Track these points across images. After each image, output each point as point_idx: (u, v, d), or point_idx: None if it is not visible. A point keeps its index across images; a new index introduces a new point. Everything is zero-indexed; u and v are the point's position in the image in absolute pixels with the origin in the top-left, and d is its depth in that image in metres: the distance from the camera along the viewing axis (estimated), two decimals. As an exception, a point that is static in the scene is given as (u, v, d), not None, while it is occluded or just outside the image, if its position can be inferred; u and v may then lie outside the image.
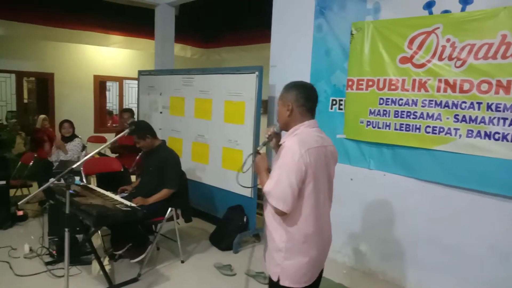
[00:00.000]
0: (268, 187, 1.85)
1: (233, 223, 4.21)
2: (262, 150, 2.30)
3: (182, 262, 3.79)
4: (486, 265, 2.94)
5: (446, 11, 3.02)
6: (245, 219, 4.23)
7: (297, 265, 1.90)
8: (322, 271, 2.10)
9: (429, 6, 3.11)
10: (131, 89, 9.13)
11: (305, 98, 1.95)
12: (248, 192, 4.22)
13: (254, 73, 4.15)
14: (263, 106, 4.26)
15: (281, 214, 1.83)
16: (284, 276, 1.91)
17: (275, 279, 1.94)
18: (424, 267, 3.29)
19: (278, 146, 2.18)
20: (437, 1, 3.06)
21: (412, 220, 3.34)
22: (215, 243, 4.22)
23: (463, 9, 2.93)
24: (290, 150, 1.82)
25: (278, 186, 1.80)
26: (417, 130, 3.22)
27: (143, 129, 3.68)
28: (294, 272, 1.90)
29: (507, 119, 2.73)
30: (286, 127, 2.00)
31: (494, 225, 2.90)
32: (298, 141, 1.84)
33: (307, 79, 3.95)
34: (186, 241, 4.25)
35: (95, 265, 3.33)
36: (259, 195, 4.44)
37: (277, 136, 2.12)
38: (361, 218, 3.71)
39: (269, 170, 1.99)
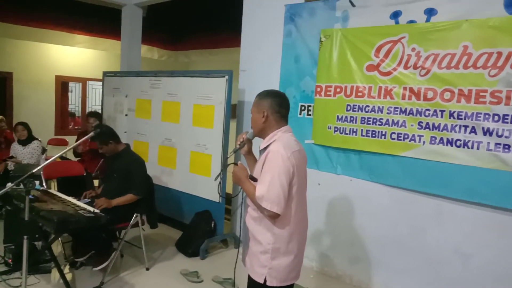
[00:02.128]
0: (260, 192, 1.89)
1: (200, 228, 4.15)
2: (231, 157, 2.30)
3: (147, 269, 3.69)
4: (449, 267, 3.04)
5: (411, 21, 3.11)
6: (212, 225, 4.18)
7: (284, 264, 1.99)
8: None
9: (395, 15, 3.20)
10: (95, 91, 8.87)
11: (279, 105, 2.04)
12: (216, 197, 4.17)
13: (224, 77, 4.13)
14: (232, 111, 4.23)
15: (274, 216, 1.92)
16: (272, 276, 1.98)
17: (261, 280, 2.00)
18: (390, 270, 3.36)
19: (249, 153, 2.19)
20: (403, 11, 3.15)
21: (378, 224, 3.41)
22: (182, 249, 4.14)
23: (427, 20, 3.03)
24: (277, 153, 1.90)
25: (271, 189, 1.87)
26: (383, 137, 3.29)
27: (106, 134, 3.56)
28: (282, 271, 1.99)
29: (468, 126, 2.84)
30: (260, 133, 2.08)
31: (456, 229, 3.00)
32: (283, 145, 1.93)
33: (276, 84, 3.97)
34: (152, 247, 4.14)
35: (54, 273, 3.19)
36: (228, 200, 4.42)
37: (249, 142, 2.19)
38: (328, 222, 3.75)
39: (250, 178, 2.03)
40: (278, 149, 1.91)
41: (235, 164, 2.09)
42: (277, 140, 1.98)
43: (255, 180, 2.01)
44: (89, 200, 3.54)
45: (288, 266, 2.00)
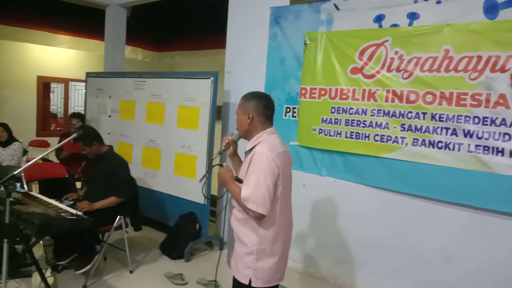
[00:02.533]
0: (246, 193, 1.90)
1: (185, 231, 4.13)
2: (216, 158, 2.29)
3: (131, 272, 3.65)
4: (432, 268, 3.09)
5: (394, 25, 3.16)
6: (197, 227, 4.16)
7: (270, 265, 2.00)
8: None
9: (379, 19, 3.24)
10: (77, 91, 8.73)
11: (264, 107, 2.06)
12: (201, 199, 4.16)
13: (210, 78, 4.12)
14: (218, 112, 4.22)
15: (260, 218, 1.92)
16: (257, 277, 1.99)
17: (246, 282, 2.01)
18: (374, 272, 3.39)
19: (235, 154, 2.20)
20: (386, 15, 3.20)
21: (362, 225, 3.45)
22: (166, 251, 4.11)
23: (410, 24, 3.09)
24: (263, 155, 1.91)
25: (257, 191, 1.87)
26: (367, 138, 3.33)
27: (89, 136, 3.52)
28: (267, 272, 2.00)
29: (449, 128, 2.90)
30: (246, 135, 2.09)
31: (439, 229, 3.05)
32: (269, 147, 1.95)
33: (262, 86, 3.99)
34: (136, 250, 4.10)
35: (36, 277, 3.13)
36: (213, 202, 4.40)
37: (234, 144, 2.20)
38: (313, 223, 3.77)
39: (236, 179, 2.04)
40: (263, 151, 1.92)
41: (221, 165, 2.09)
42: (262, 142, 1.99)
43: (240, 181, 2.01)
44: (72, 202, 3.48)
45: (273, 267, 2.01)
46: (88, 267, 3.32)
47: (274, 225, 1.99)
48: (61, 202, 3.33)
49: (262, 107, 2.04)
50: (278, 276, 2.07)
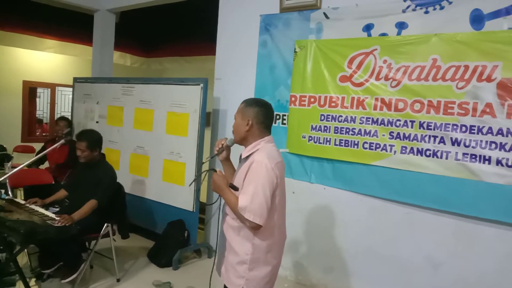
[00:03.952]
0: (243, 202, 1.86)
1: (173, 238, 4.08)
2: (207, 163, 2.28)
3: (118, 280, 3.59)
4: (420, 275, 3.11)
5: (383, 34, 3.20)
6: (186, 234, 4.12)
7: (262, 275, 1.99)
8: None
9: (368, 28, 3.28)
10: (64, 97, 8.63)
11: (265, 116, 2.03)
12: (189, 206, 4.13)
13: (199, 84, 4.11)
14: (207, 119, 4.21)
15: (256, 228, 1.89)
16: (249, 286, 1.98)
17: None
18: (364, 279, 3.40)
19: (227, 160, 2.18)
20: (375, 24, 3.24)
21: (351, 233, 3.45)
22: (154, 259, 4.06)
23: (398, 33, 3.13)
24: (262, 164, 1.88)
25: (255, 200, 1.85)
26: (355, 146, 3.35)
27: (97, 140, 3.50)
28: (259, 282, 2.01)
29: (437, 137, 2.94)
30: (242, 141, 2.05)
31: (427, 237, 3.08)
32: (268, 156, 1.92)
33: (251, 93, 3.99)
34: (123, 258, 4.04)
35: (20, 286, 3.05)
36: (201, 209, 4.37)
37: (227, 149, 2.17)
38: (302, 231, 3.77)
39: (231, 186, 2.01)
40: (262, 159, 1.90)
41: (214, 170, 2.06)
42: (261, 150, 1.96)
43: (235, 188, 1.98)
44: (58, 209, 3.42)
45: (265, 276, 2.01)
46: (74, 275, 3.25)
47: (270, 235, 1.98)
48: (47, 209, 3.27)
49: (263, 116, 2.02)
50: (269, 285, 2.06)
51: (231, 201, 1.94)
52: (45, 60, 8.02)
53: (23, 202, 3.30)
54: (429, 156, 2.98)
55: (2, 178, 2.34)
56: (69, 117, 5.60)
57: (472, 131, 2.79)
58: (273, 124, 3.79)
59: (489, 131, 2.73)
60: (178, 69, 8.48)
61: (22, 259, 3.61)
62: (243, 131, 2.02)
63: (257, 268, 1.98)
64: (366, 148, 3.29)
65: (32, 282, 3.19)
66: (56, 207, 3.48)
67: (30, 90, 8.07)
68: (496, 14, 2.74)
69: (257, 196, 1.85)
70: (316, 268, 3.69)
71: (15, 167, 3.34)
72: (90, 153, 3.44)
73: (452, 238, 2.96)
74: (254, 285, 1.99)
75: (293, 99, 3.71)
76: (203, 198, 4.40)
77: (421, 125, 3.00)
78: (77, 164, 3.71)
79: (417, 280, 3.12)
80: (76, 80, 5.65)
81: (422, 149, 3.01)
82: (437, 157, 2.94)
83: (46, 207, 3.35)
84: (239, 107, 2.08)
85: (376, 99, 3.22)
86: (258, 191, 1.85)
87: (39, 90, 8.38)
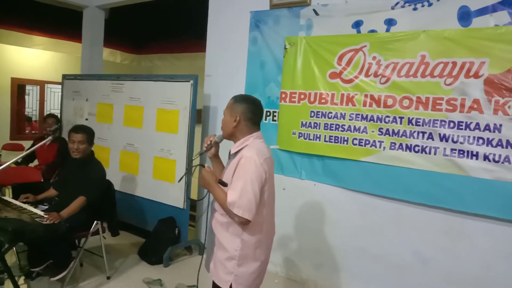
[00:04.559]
0: (232, 198, 1.87)
1: (164, 236, 4.07)
2: (196, 159, 2.27)
3: (108, 278, 3.58)
4: (409, 272, 3.14)
5: (372, 31, 3.22)
6: (176, 232, 4.11)
7: (250, 270, 2.00)
8: None
9: (357, 25, 3.29)
10: (53, 94, 8.55)
11: (253, 113, 2.04)
12: (180, 204, 4.12)
13: (189, 81, 4.09)
14: (197, 116, 4.20)
15: (245, 223, 1.89)
16: (238, 282, 1.99)
17: (226, 287, 1.99)
18: (354, 275, 3.43)
19: (216, 156, 2.19)
20: (364, 21, 3.25)
21: (342, 229, 3.48)
22: (145, 257, 4.04)
23: (387, 30, 3.15)
24: (251, 159, 1.90)
25: (243, 196, 1.86)
26: (345, 142, 3.37)
27: (93, 135, 3.54)
28: (248, 278, 2.00)
29: (425, 133, 2.96)
30: (230, 137, 2.07)
31: (416, 232, 3.10)
32: (257, 152, 1.94)
33: (242, 90, 3.99)
34: (113, 256, 4.02)
35: (8, 285, 3.02)
36: (192, 206, 4.36)
37: (216, 145, 2.18)
38: (293, 227, 3.78)
39: (219, 182, 2.01)
40: (251, 155, 1.91)
41: (202, 166, 2.07)
42: (250, 146, 1.98)
43: (224, 184, 1.99)
44: (47, 207, 3.39)
45: (254, 272, 2.01)
46: (64, 273, 3.23)
47: (259, 230, 1.99)
48: (36, 207, 3.24)
49: (251, 112, 2.03)
50: (258, 281, 2.07)
51: (220, 196, 1.94)
52: (34, 57, 7.93)
53: (12, 199, 3.26)
54: (417, 152, 3.01)
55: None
56: (58, 115, 5.55)
57: (460, 127, 2.82)
58: (264, 121, 3.85)
59: (477, 127, 2.76)
60: (167, 66, 8.45)
61: (11, 258, 3.57)
62: (231, 127, 2.03)
63: (246, 264, 1.99)
64: (355, 144, 3.31)
65: (21, 280, 3.16)
66: (45, 205, 3.45)
67: (19, 88, 7.98)
68: (483, 11, 2.76)
69: (245, 191, 1.85)
70: (307, 264, 3.71)
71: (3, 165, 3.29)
72: (88, 146, 3.43)
73: (441, 233, 2.99)
74: (242, 281, 1.99)
75: (283, 95, 3.71)
76: (193, 195, 4.39)
77: (409, 121, 3.03)
78: (66, 161, 3.68)
79: (405, 277, 3.15)
80: (65, 77, 5.59)
81: (411, 145, 3.04)
82: (426, 152, 2.97)
83: (35, 204, 3.33)
84: (228, 103, 2.09)
85: (366, 96, 3.23)
86: (247, 186, 1.86)
87: (28, 87, 8.29)
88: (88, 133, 3.44)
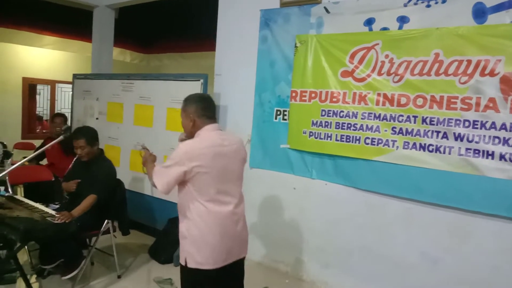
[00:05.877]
0: (155, 168, 2.22)
1: (173, 235, 4.04)
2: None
3: (119, 277, 3.59)
4: (416, 272, 3.10)
5: (384, 28, 3.17)
6: (186, 231, 4.10)
7: (202, 249, 2.12)
8: (241, 263, 2.34)
9: (369, 23, 3.25)
10: (64, 93, 8.60)
11: (203, 109, 2.21)
12: (190, 203, 4.11)
13: (199, 80, 4.08)
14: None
15: (162, 192, 2.12)
16: (190, 259, 2.13)
17: (183, 263, 2.16)
18: (360, 275, 3.39)
19: None
20: (376, 18, 3.21)
21: (352, 228, 3.44)
22: (155, 256, 4.05)
23: (400, 27, 3.10)
24: (180, 146, 2.12)
25: (163, 170, 2.13)
26: (357, 141, 3.33)
27: (95, 135, 3.51)
28: (199, 255, 2.11)
29: (440, 132, 2.91)
30: (192, 135, 2.23)
31: (425, 232, 3.06)
32: (199, 140, 2.14)
33: (252, 89, 3.97)
34: (124, 255, 4.03)
35: (20, 283, 3.04)
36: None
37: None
38: (304, 227, 3.75)
39: None
40: (185, 143, 2.12)
41: (146, 149, 2.49)
42: (196, 137, 2.17)
43: None
44: (58, 206, 3.40)
45: (206, 251, 2.11)
46: (75, 272, 3.24)
47: (199, 214, 2.10)
48: (47, 206, 3.25)
49: (201, 109, 2.19)
50: (210, 261, 2.12)
51: (149, 172, 2.27)
52: (44, 57, 7.99)
53: (24, 198, 3.28)
54: (432, 151, 2.96)
55: (1, 174, 2.32)
56: (68, 114, 5.58)
57: (475, 126, 2.77)
58: (274, 120, 3.82)
59: (492, 126, 2.71)
60: (176, 65, 8.45)
61: (23, 256, 3.59)
62: (189, 128, 2.22)
63: (196, 243, 2.11)
64: (368, 144, 3.27)
65: (32, 279, 3.17)
66: (56, 204, 3.47)
67: (30, 87, 8.04)
68: (498, 8, 2.70)
69: (165, 167, 2.10)
70: (316, 264, 3.68)
71: (15, 164, 3.32)
72: (91, 148, 3.43)
73: (450, 233, 2.94)
74: (193, 258, 2.11)
75: (293, 94, 3.68)
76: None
77: (424, 120, 2.98)
78: (74, 161, 3.70)
79: (412, 277, 3.12)
80: (75, 76, 5.62)
81: (425, 144, 2.99)
82: (440, 152, 2.92)
83: (46, 203, 3.34)
84: (181, 106, 2.25)
85: (378, 94, 3.19)
86: (167, 163, 2.10)
87: (39, 87, 8.35)
88: (86, 136, 3.42)
